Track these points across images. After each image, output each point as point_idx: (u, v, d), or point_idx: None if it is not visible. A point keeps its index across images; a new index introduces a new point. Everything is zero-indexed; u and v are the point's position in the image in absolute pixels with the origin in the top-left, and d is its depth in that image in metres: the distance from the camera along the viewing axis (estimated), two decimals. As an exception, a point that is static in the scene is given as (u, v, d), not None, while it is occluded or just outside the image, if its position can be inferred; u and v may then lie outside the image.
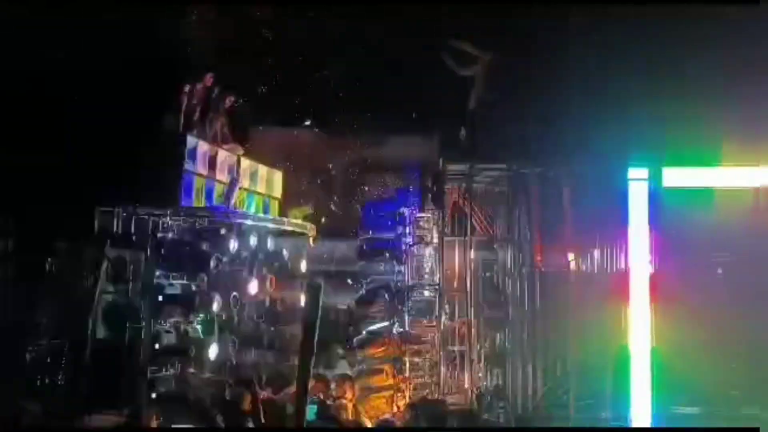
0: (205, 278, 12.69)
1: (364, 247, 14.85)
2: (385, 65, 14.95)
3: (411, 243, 14.62)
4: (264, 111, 15.31)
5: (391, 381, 13.71)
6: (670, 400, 12.63)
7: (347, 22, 14.86)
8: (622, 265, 13.23)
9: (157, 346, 11.97)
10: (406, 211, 14.91)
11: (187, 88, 13.23)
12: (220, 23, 14.87)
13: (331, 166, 16.13)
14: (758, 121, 12.71)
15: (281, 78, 15.53)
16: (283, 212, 15.28)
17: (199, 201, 13.00)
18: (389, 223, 15.04)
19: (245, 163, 14.30)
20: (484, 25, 14.18)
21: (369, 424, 12.16)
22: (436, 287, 13.98)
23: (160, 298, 12.04)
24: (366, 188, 15.87)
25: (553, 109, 13.35)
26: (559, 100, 13.36)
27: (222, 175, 13.57)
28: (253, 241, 13.72)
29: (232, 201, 13.47)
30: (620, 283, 13.08)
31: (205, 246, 12.63)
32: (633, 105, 12.93)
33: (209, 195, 13.30)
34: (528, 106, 13.37)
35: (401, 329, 14.07)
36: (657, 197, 12.88)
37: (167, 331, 12.32)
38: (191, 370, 12.55)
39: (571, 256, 13.65)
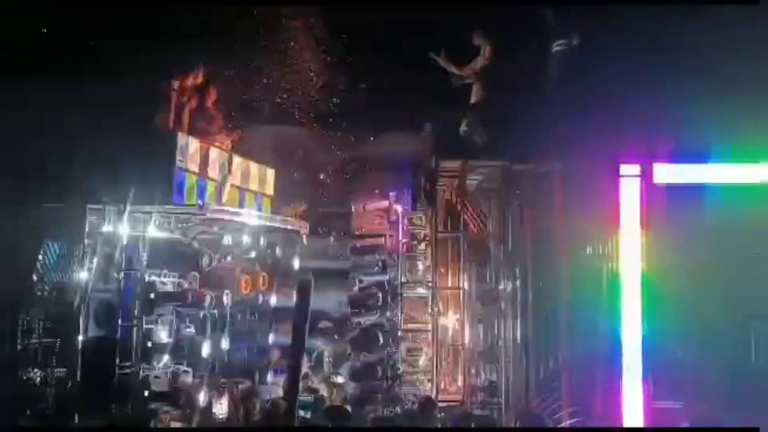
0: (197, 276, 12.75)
1: (357, 244, 14.83)
2: (379, 61, 14.91)
3: (404, 240, 14.61)
4: (255, 107, 15.32)
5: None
6: (663, 395, 12.64)
7: (340, 17, 14.84)
8: (614, 262, 13.22)
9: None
10: (399, 208, 14.88)
11: (177, 84, 13.23)
12: (211, 17, 14.86)
13: (323, 163, 16.09)
14: (752, 118, 12.69)
15: (273, 73, 15.52)
16: (275, 209, 15.27)
17: (191, 199, 12.99)
18: (382, 220, 15.01)
19: (237, 160, 14.30)
20: (477, 22, 14.17)
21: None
22: (429, 284, 13.96)
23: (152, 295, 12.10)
24: (358, 185, 15.83)
25: (546, 106, 13.34)
26: (552, 96, 13.37)
27: (214, 173, 13.57)
28: (245, 238, 13.75)
29: (224, 198, 13.48)
30: (612, 279, 13.09)
31: (197, 244, 12.67)
32: (625, 101, 12.92)
33: (201, 193, 13.29)
34: (521, 103, 13.36)
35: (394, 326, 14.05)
36: (648, 193, 12.89)
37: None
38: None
39: (563, 253, 13.65)
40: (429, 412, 11.07)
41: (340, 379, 14.02)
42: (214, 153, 13.61)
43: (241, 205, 14.14)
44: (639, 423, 12.56)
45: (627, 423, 12.61)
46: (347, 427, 11.66)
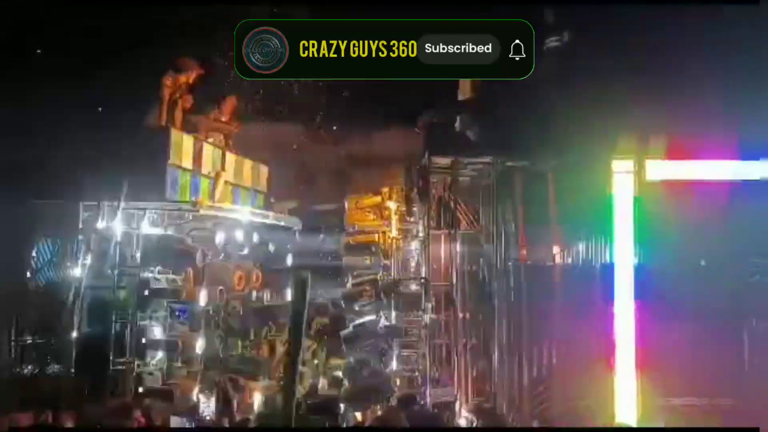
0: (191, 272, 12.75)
1: (350, 240, 14.83)
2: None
3: (397, 237, 14.61)
4: (250, 105, 15.31)
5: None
6: (656, 393, 12.65)
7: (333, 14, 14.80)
8: (607, 259, 13.23)
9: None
10: (391, 204, 14.89)
11: (170, 81, 13.20)
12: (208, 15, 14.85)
13: (316, 159, 16.09)
14: (746, 116, 12.70)
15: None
16: (268, 206, 15.27)
17: (184, 195, 12.98)
18: (375, 216, 15.01)
19: (230, 156, 14.29)
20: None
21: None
22: (422, 281, 13.95)
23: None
24: (351, 182, 15.85)
25: (539, 102, 13.33)
26: (545, 93, 13.35)
27: (207, 170, 13.56)
28: (238, 234, 13.74)
29: (217, 195, 13.48)
30: (605, 276, 13.09)
31: (190, 240, 12.68)
32: (618, 97, 12.90)
33: (194, 189, 13.29)
34: (513, 99, 13.34)
35: (387, 323, 14.04)
36: (642, 190, 12.90)
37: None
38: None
39: (556, 250, 13.66)
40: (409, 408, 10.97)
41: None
42: (207, 150, 13.60)
43: (234, 202, 14.15)
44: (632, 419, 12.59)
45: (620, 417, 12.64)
46: (347, 426, 11.64)
